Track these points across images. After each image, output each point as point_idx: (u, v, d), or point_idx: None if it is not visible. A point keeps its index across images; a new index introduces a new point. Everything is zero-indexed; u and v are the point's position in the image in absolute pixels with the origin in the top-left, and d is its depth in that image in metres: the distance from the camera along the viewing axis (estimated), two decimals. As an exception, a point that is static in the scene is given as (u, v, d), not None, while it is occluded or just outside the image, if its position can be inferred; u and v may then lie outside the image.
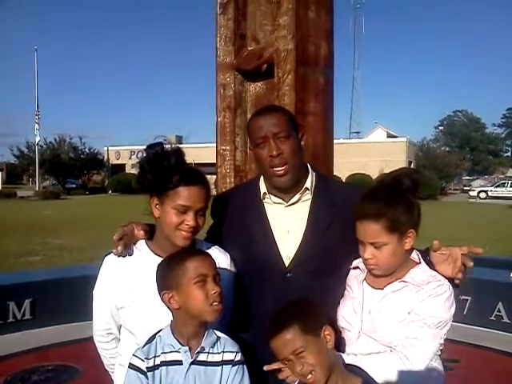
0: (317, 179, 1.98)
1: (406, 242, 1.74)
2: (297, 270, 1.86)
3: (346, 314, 1.84)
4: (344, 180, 33.42)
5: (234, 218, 1.99)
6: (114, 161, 55.21)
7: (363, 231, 1.72)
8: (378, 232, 1.69)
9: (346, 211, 1.82)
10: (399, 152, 45.48)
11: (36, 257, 11.27)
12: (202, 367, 1.62)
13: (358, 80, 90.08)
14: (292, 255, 1.88)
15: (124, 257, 1.81)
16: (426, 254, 1.81)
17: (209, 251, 1.78)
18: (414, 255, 1.81)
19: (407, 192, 1.75)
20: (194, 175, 1.75)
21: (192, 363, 1.61)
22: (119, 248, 1.78)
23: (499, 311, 5.94)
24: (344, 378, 1.58)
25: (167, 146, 1.78)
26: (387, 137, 53.17)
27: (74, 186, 49.54)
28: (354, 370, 1.64)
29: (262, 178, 2.00)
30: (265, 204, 1.96)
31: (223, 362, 1.65)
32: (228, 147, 2.65)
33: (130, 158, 50.01)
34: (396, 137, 51.90)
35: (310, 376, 1.54)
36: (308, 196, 1.94)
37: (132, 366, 1.60)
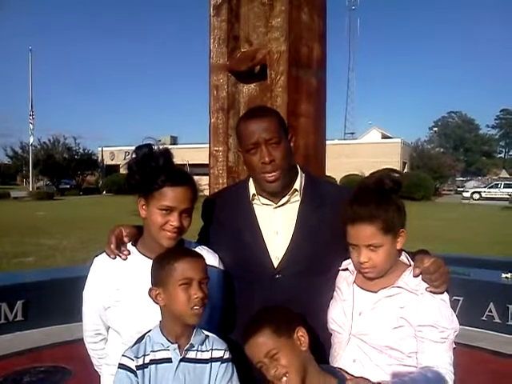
0: (306, 180, 1.98)
1: (398, 241, 1.75)
2: (286, 271, 1.86)
3: (336, 316, 1.84)
4: (338, 181, 33.50)
5: (224, 219, 2.00)
6: (108, 161, 54.95)
7: (357, 234, 1.71)
8: (374, 234, 1.69)
9: (334, 212, 1.82)
10: (393, 153, 45.51)
11: (29, 258, 11.21)
12: (192, 364, 1.64)
13: (352, 81, 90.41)
14: (281, 256, 1.88)
15: (115, 258, 1.83)
16: (413, 257, 1.81)
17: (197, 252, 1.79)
18: (403, 257, 1.81)
19: (391, 192, 1.76)
20: (180, 176, 1.75)
21: (181, 360, 1.62)
22: (125, 252, 1.83)
23: (491, 311, 5.98)
24: (320, 378, 1.60)
25: (156, 147, 1.78)
26: (382, 138, 53.19)
27: (68, 186, 49.26)
28: (330, 370, 1.66)
29: (251, 179, 2.00)
30: (254, 205, 1.96)
31: (212, 360, 1.67)
32: (221, 148, 2.65)
33: (125, 159, 49.70)
34: (390, 138, 51.96)
35: (284, 379, 1.55)
36: (297, 197, 1.94)
37: (121, 366, 1.61)
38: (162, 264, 1.64)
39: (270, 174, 1.84)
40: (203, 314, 1.64)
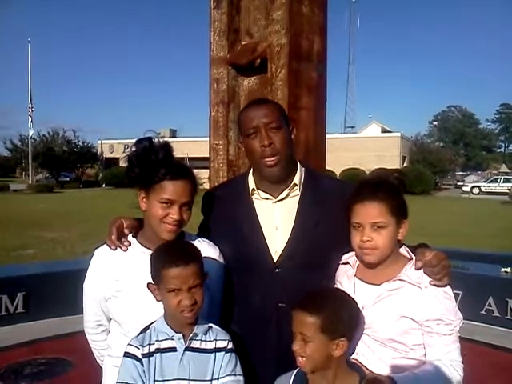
0: (306, 175, 1.99)
1: (400, 231, 1.77)
2: (285, 265, 1.87)
3: None
4: (338, 174, 33.49)
5: (223, 213, 2.00)
6: (107, 154, 54.86)
7: (365, 212, 1.72)
8: (382, 212, 1.71)
9: (334, 207, 1.84)
10: (393, 147, 45.48)
11: (29, 250, 11.23)
12: (196, 354, 1.66)
13: (352, 75, 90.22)
14: (281, 251, 1.88)
15: (116, 249, 1.84)
16: (414, 251, 1.81)
17: (197, 245, 1.79)
18: (404, 251, 1.82)
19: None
20: (180, 170, 1.77)
21: (186, 349, 1.64)
22: (126, 243, 1.84)
23: (490, 305, 6.00)
24: (343, 372, 1.61)
25: (156, 141, 1.79)
26: (381, 132, 53.14)
27: (68, 179, 49.25)
28: (354, 366, 1.67)
29: (250, 173, 2.00)
30: (253, 200, 1.96)
31: (216, 350, 1.68)
32: (221, 142, 2.65)
33: (124, 152, 49.62)
34: (390, 132, 51.88)
35: (300, 359, 1.57)
36: (297, 192, 1.94)
37: (127, 354, 1.63)
38: (155, 264, 1.65)
39: (269, 158, 1.84)
40: (198, 312, 1.65)
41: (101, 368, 1.99)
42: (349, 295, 1.72)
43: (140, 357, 1.61)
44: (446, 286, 1.72)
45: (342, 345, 1.58)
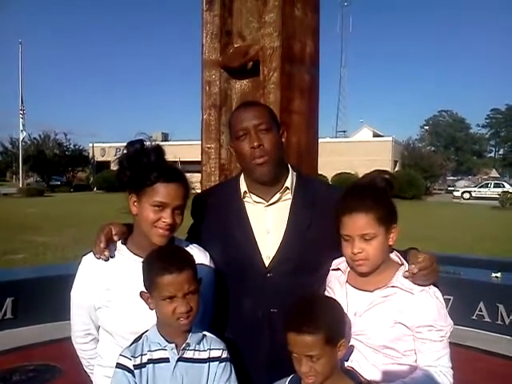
0: (297, 179, 1.98)
1: (390, 237, 1.75)
2: (277, 269, 1.85)
3: None
4: (330, 179, 33.55)
5: (215, 217, 1.97)
6: (99, 158, 54.61)
7: (352, 224, 1.70)
8: (369, 223, 1.69)
9: (326, 211, 1.82)
10: (385, 151, 45.68)
11: (19, 255, 11.11)
12: (189, 364, 1.62)
13: (344, 78, 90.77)
14: (272, 255, 1.86)
15: (107, 259, 1.79)
16: (404, 256, 1.80)
17: (188, 250, 1.76)
18: (395, 256, 1.81)
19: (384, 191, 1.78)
20: (173, 173, 1.74)
21: (179, 360, 1.61)
22: (106, 253, 1.77)
23: (481, 311, 6.00)
24: (340, 380, 1.59)
25: (147, 143, 1.76)
26: (373, 136, 53.39)
27: (59, 183, 48.91)
28: (349, 372, 1.65)
29: (242, 176, 1.98)
30: (245, 203, 1.95)
31: (210, 359, 1.65)
32: (213, 145, 2.63)
33: (116, 155, 49.27)
34: (382, 136, 52.13)
35: (310, 378, 1.54)
36: (288, 195, 1.93)
37: (119, 365, 1.60)
38: (147, 272, 1.62)
39: (259, 159, 1.83)
40: (194, 319, 1.62)
41: (89, 376, 1.95)
42: (326, 296, 1.74)
43: (132, 368, 1.58)
44: (428, 285, 1.72)
45: (344, 345, 1.58)
